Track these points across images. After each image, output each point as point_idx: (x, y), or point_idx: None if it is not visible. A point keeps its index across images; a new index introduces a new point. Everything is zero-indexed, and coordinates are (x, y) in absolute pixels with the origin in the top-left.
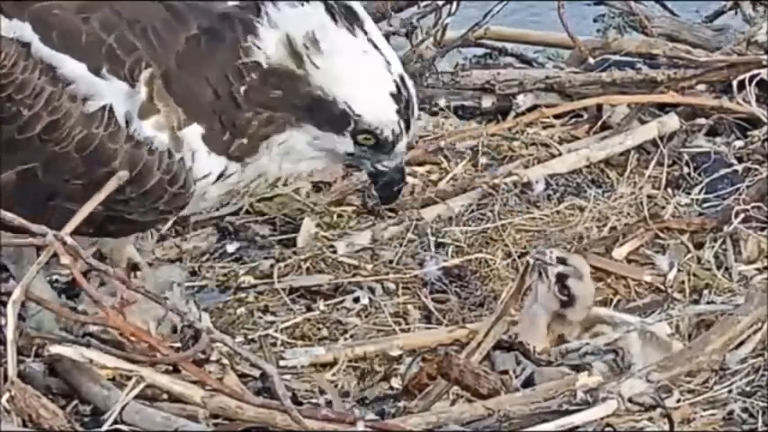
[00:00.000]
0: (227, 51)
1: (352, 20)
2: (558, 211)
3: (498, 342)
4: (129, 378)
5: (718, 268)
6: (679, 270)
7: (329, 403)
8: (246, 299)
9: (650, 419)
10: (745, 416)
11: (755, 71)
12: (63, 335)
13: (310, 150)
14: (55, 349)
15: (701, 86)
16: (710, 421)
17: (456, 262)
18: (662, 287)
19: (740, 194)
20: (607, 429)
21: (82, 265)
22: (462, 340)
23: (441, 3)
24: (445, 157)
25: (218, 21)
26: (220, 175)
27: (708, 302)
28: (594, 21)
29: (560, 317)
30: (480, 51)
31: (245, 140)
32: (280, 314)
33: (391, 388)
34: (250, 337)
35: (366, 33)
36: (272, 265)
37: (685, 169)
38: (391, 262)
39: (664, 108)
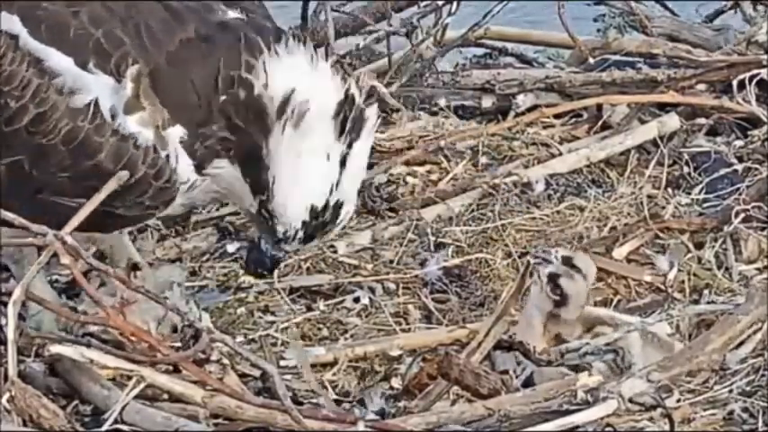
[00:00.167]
0: (222, 59)
1: (347, 127)
2: (558, 211)
3: (498, 342)
4: (129, 378)
5: (719, 268)
6: (679, 270)
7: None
8: (246, 299)
9: (650, 419)
10: (745, 416)
11: (755, 71)
12: (63, 335)
13: (232, 187)
14: (55, 349)
15: (701, 86)
16: (710, 421)
17: (456, 262)
18: (662, 287)
19: (740, 194)
20: (607, 429)
21: (82, 265)
22: (462, 340)
23: (441, 3)
24: (445, 157)
25: (218, 28)
26: (192, 183)
27: (708, 302)
28: (594, 21)
29: (555, 317)
30: (480, 51)
31: (205, 152)
32: (280, 314)
33: (391, 388)
34: (250, 337)
35: (350, 146)
36: None
37: (685, 169)
38: (391, 262)
39: (664, 108)
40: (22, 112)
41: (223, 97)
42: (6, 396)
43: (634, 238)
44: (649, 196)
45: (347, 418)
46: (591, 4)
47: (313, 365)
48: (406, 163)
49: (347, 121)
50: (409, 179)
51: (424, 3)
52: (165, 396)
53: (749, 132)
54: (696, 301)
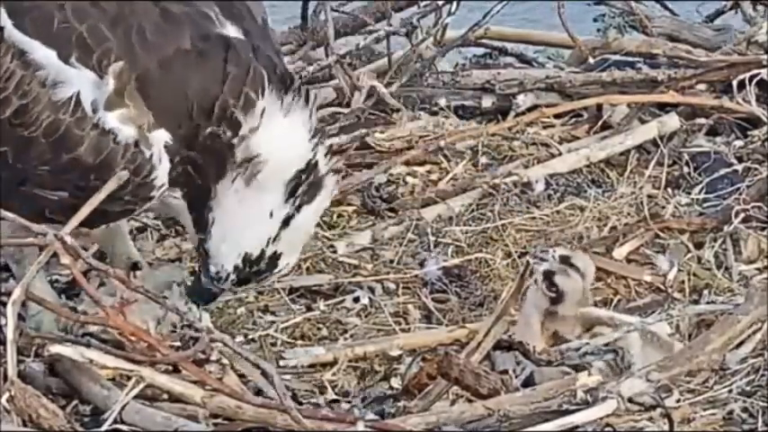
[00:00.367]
0: (227, 86)
1: (299, 191)
2: (558, 211)
3: (498, 342)
4: (129, 378)
5: (719, 268)
6: (679, 270)
7: (330, 403)
8: (246, 299)
9: (650, 419)
10: (745, 416)
11: (755, 71)
12: (63, 335)
13: (180, 216)
14: (55, 349)
15: (701, 86)
16: (710, 421)
17: (456, 262)
18: (662, 287)
19: (740, 194)
20: (607, 429)
21: (82, 265)
22: (462, 340)
23: (441, 3)
24: (445, 156)
25: (220, 44)
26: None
27: (708, 302)
28: (594, 21)
29: (552, 314)
30: (480, 51)
31: (177, 172)
32: (280, 314)
33: (391, 388)
34: (250, 336)
35: (299, 209)
36: None
37: (685, 169)
38: (391, 262)
39: (664, 108)
40: (4, 104)
41: (210, 129)
42: (6, 396)
43: (634, 238)
44: (649, 196)
45: (347, 417)
46: (591, 4)
47: (313, 365)
48: (406, 163)
49: (299, 187)
50: (409, 179)
51: (424, 3)
52: (165, 396)
53: (749, 132)
54: (696, 301)
